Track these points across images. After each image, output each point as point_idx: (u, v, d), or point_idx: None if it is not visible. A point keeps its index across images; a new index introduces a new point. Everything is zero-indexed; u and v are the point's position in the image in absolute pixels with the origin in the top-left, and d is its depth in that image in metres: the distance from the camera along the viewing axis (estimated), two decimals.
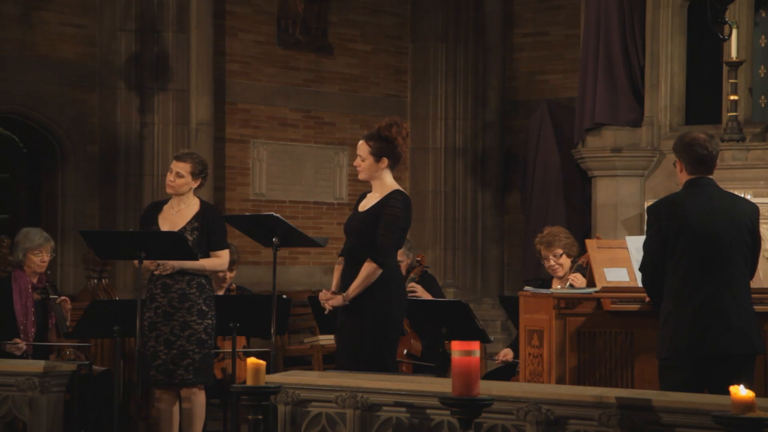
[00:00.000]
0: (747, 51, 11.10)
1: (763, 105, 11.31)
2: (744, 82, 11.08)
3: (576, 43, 12.42)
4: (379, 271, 6.82)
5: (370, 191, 7.06)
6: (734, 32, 10.67)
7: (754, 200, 10.31)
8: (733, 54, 10.77)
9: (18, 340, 8.42)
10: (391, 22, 13.49)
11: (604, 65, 11.50)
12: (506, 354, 8.44)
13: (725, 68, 10.95)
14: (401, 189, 6.99)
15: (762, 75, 11.32)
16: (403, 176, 13.49)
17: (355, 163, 7.05)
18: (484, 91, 13.68)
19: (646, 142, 11.49)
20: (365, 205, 7.01)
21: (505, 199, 13.73)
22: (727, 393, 4.42)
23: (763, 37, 11.33)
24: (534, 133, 12.98)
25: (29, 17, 10.90)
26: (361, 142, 6.98)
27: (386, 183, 6.97)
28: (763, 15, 11.34)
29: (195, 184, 7.97)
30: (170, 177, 7.94)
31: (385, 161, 6.93)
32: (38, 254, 8.60)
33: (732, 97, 10.81)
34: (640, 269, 6.28)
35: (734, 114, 10.82)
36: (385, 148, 6.92)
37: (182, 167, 7.93)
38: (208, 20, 11.52)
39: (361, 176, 7.02)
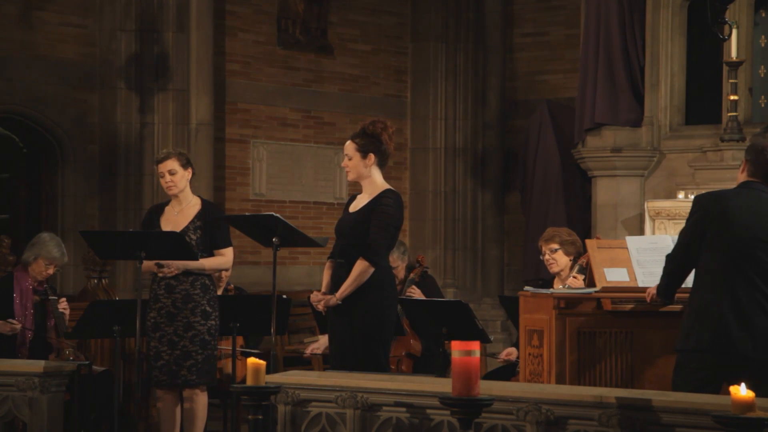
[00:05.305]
0: (747, 51, 11.10)
1: (763, 105, 11.31)
2: (744, 82, 11.08)
3: (576, 43, 12.43)
4: (371, 270, 6.81)
5: (360, 193, 7.05)
6: (734, 32, 10.67)
7: None
8: (733, 54, 10.77)
9: (12, 321, 8.43)
10: (391, 22, 13.49)
11: (604, 65, 11.50)
12: (510, 353, 8.43)
13: (725, 68, 10.95)
14: (392, 188, 6.98)
15: (762, 75, 11.32)
16: (403, 176, 13.49)
17: (342, 164, 7.03)
18: (484, 91, 13.68)
19: (646, 142, 11.49)
20: (356, 205, 6.99)
21: (505, 199, 13.73)
22: None
23: (763, 37, 11.33)
24: (534, 133, 12.97)
25: (29, 17, 10.90)
26: (347, 143, 6.97)
27: (376, 183, 6.95)
28: (763, 15, 11.35)
29: (189, 174, 7.96)
30: (166, 179, 7.91)
31: (371, 157, 6.91)
32: (48, 265, 8.61)
33: (732, 97, 10.81)
34: (669, 257, 6.18)
35: (734, 114, 10.82)
36: (370, 145, 6.90)
37: (170, 165, 7.91)
38: (208, 20, 11.51)
39: (350, 177, 7.00)
